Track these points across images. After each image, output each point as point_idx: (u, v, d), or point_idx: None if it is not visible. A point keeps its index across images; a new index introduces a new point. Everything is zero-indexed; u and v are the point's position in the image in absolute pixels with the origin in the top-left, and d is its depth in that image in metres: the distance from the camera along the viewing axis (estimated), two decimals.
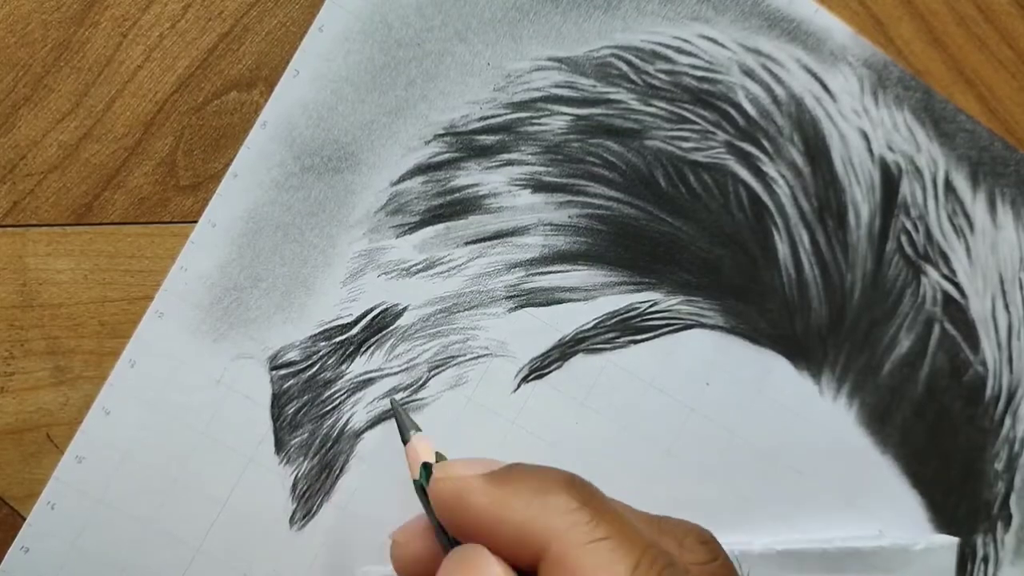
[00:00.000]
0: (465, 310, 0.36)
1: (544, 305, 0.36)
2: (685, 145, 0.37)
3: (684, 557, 0.28)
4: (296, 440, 0.35)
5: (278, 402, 0.35)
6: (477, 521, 0.27)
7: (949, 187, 0.38)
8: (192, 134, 0.35)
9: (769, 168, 0.37)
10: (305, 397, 0.35)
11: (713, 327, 0.37)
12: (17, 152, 0.34)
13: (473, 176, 0.36)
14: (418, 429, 0.32)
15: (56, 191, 0.35)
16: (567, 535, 0.25)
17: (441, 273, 0.36)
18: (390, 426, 0.35)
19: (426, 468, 0.30)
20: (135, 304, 0.35)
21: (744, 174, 0.37)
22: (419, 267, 0.36)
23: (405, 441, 0.31)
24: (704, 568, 0.28)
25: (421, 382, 0.36)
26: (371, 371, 0.35)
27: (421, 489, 0.30)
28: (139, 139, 0.35)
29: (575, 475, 0.28)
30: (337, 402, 0.35)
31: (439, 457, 0.30)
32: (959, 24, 0.39)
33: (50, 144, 0.35)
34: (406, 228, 0.36)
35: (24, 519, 0.34)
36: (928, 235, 0.38)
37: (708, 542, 0.29)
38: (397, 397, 0.35)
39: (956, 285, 0.38)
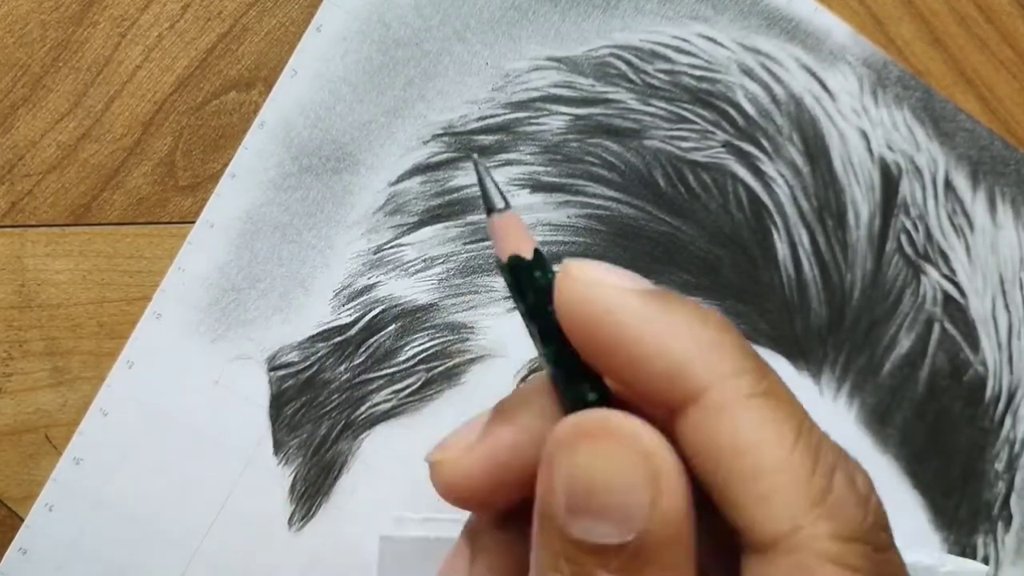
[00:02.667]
0: (464, 310, 0.36)
1: None
2: (684, 145, 0.37)
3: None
4: (295, 441, 0.35)
5: (277, 403, 0.35)
6: (626, 346, 0.21)
7: (949, 186, 0.38)
8: (191, 134, 0.35)
9: (768, 168, 0.37)
10: (304, 398, 0.35)
11: None
12: (16, 152, 0.34)
13: (472, 176, 0.36)
14: (507, 204, 0.23)
15: (55, 191, 0.35)
16: (732, 383, 0.21)
17: (440, 273, 0.36)
18: (389, 427, 0.35)
19: (526, 266, 0.22)
20: (133, 305, 0.35)
21: (743, 174, 0.37)
22: (418, 267, 0.36)
23: (490, 211, 0.23)
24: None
25: (420, 382, 0.36)
26: (370, 372, 0.35)
27: (516, 280, 0.23)
28: (138, 139, 0.35)
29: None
30: (336, 403, 0.35)
31: (537, 254, 0.22)
32: (959, 24, 0.39)
33: (49, 144, 0.34)
34: (405, 228, 0.36)
35: (22, 520, 0.34)
36: (928, 235, 0.38)
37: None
38: (477, 156, 0.25)
39: (956, 285, 0.38)
